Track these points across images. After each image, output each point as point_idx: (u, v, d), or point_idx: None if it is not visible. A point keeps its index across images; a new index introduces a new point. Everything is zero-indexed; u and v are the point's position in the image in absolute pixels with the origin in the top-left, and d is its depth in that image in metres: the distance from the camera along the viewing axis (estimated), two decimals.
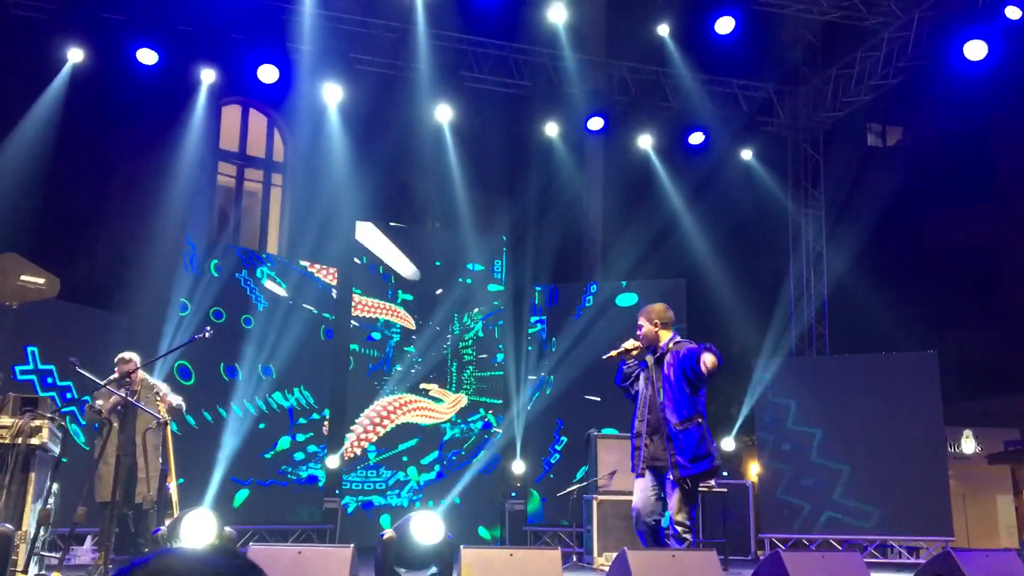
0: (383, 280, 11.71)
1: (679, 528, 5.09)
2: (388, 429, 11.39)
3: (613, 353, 5.48)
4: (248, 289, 10.39)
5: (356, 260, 11.55)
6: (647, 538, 5.27)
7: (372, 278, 11.68)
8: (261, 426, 10.29)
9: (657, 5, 11.85)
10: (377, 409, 11.35)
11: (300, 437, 10.82)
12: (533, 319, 12.09)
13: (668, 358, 5.33)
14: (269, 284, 10.62)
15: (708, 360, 4.93)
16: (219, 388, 9.91)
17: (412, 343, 11.62)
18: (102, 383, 5.79)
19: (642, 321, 5.48)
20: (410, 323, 11.72)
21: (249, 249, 11.42)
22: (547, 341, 11.89)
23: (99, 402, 6.28)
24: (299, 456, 10.74)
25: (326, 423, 11.06)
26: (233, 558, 1.27)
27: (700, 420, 5.21)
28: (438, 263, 11.85)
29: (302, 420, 10.84)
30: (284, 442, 10.65)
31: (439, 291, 11.67)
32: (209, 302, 9.69)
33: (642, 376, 5.49)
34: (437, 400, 11.67)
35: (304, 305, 10.92)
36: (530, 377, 11.87)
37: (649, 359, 5.49)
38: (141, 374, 6.47)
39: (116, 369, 6.39)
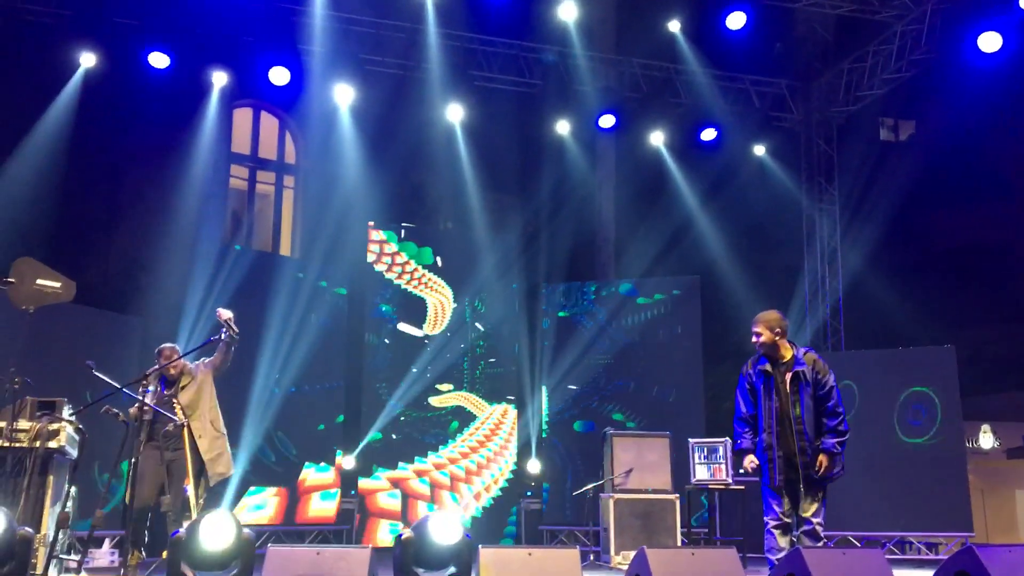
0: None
1: (820, 527, 5.44)
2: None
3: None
4: (264, 293, 10.21)
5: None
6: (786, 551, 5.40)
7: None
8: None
9: (667, 1, 11.81)
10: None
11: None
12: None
13: (807, 374, 5.37)
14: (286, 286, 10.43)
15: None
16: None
17: (422, 339, 11.23)
18: (119, 386, 5.78)
19: (761, 329, 5.48)
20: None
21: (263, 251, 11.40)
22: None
23: (130, 410, 6.26)
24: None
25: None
26: None
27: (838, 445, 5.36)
28: (451, 262, 11.75)
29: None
30: None
31: (452, 295, 11.57)
32: (224, 304, 9.57)
33: (761, 386, 5.50)
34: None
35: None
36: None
37: (769, 368, 5.48)
38: (181, 362, 6.49)
39: (156, 362, 6.41)
